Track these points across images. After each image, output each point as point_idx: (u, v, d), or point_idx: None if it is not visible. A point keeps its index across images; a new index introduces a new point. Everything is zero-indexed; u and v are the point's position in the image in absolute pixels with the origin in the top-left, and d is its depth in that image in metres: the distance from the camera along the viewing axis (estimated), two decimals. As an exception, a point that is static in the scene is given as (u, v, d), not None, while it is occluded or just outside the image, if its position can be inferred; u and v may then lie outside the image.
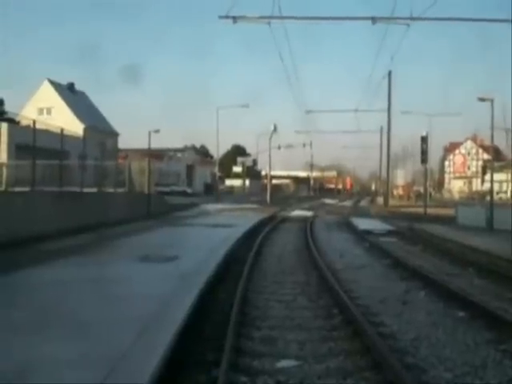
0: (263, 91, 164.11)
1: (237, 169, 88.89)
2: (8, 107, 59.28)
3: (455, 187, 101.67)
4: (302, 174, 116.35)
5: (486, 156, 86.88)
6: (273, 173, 64.65)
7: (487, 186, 50.40)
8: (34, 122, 17.89)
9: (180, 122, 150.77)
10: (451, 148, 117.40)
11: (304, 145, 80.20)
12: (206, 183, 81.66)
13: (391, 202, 53.53)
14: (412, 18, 20.28)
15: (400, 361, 6.29)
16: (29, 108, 61.68)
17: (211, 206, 41.30)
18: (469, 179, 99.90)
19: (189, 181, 79.74)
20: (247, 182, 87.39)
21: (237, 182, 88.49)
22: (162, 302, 7.92)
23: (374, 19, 21.18)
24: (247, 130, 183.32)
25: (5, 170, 20.54)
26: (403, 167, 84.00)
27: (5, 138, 17.01)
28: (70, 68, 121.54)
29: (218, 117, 56.02)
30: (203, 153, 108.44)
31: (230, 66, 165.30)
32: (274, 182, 75.60)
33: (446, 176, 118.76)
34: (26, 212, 15.70)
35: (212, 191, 69.40)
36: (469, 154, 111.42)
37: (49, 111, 63.74)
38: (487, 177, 58.22)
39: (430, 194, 66.66)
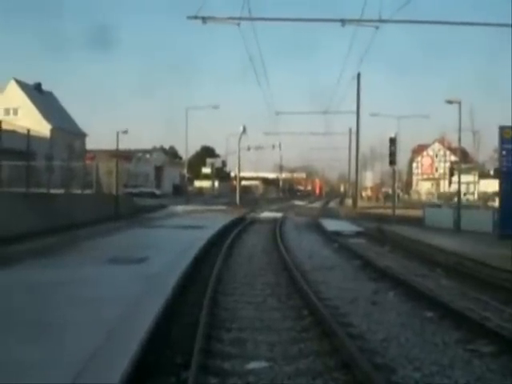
0: (232, 92, 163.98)
1: (206, 170, 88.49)
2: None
3: (423, 189, 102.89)
4: (272, 175, 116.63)
5: (453, 158, 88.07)
6: (242, 174, 64.65)
7: (455, 187, 51.13)
8: (0, 123, 17.55)
9: (149, 123, 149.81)
10: (419, 150, 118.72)
11: (273, 146, 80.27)
12: (175, 184, 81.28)
13: (360, 203, 53.91)
14: (381, 21, 20.49)
15: (369, 361, 6.30)
16: (-5, 108, 60.76)
17: (180, 208, 41.06)
18: (436, 181, 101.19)
19: (157, 182, 79.28)
20: (216, 184, 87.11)
21: (206, 184, 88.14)
22: (129, 304, 7.82)
23: (343, 21, 21.33)
24: (216, 131, 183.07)
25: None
26: (372, 169, 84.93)
27: (-30, 139, 16.76)
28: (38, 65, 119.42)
29: (187, 118, 55.82)
30: (172, 154, 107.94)
31: (200, 66, 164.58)
32: (244, 183, 75.59)
33: (414, 178, 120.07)
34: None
35: (181, 192, 69.12)
36: (436, 155, 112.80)
37: (15, 111, 62.77)
38: (454, 178, 59.11)
39: (399, 196, 67.34)
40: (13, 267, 11.24)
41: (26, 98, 64.38)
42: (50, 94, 70.42)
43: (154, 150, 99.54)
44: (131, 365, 5.26)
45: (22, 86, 65.61)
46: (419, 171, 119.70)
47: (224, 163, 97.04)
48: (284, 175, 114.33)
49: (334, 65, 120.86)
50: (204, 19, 21.99)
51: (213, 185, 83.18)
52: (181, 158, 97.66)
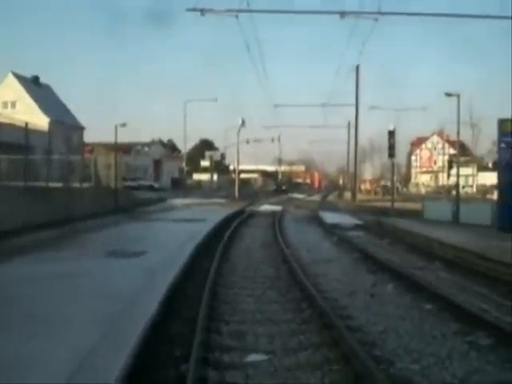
0: (231, 85, 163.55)
1: (204, 163, 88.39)
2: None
3: (422, 181, 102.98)
4: (271, 168, 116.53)
5: (452, 151, 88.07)
6: (241, 167, 64.61)
7: (453, 180, 51.17)
8: (-2, 116, 17.49)
9: (147, 116, 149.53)
10: (418, 143, 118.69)
11: (272, 139, 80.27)
12: (174, 178, 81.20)
13: (359, 196, 53.98)
14: (380, 13, 20.44)
15: (368, 353, 6.33)
16: (-8, 102, 60.66)
17: (179, 201, 41.08)
18: (435, 173, 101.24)
19: (156, 175, 79.27)
20: (215, 177, 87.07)
21: (205, 177, 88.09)
22: (128, 298, 7.84)
23: (342, 13, 21.28)
24: (215, 124, 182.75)
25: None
26: (371, 162, 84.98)
27: (-33, 132, 16.70)
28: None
29: (185, 110, 55.75)
30: (171, 147, 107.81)
31: (198, 59, 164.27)
32: (242, 176, 75.50)
33: (413, 170, 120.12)
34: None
35: (180, 186, 69.05)
36: (435, 148, 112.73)
37: (13, 105, 62.64)
38: (453, 171, 59.13)
39: (397, 189, 67.41)
40: (12, 260, 11.25)
41: (23, 91, 64.24)
42: (47, 87, 70.25)
43: (153, 143, 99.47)
44: (130, 358, 5.27)
45: (20, 79, 65.44)
46: (418, 164, 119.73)
47: (223, 156, 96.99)
48: (283, 168, 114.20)
49: (333, 57, 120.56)
50: (202, 11, 21.96)
51: (212, 178, 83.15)
52: (179, 151, 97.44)
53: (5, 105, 61.93)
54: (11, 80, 65.03)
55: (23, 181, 18.75)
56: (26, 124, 19.44)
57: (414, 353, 6.61)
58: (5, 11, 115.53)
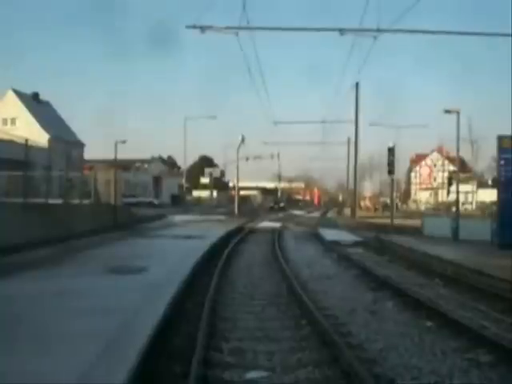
0: (231, 102, 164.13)
1: (204, 180, 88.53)
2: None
3: (421, 198, 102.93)
4: (270, 185, 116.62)
5: (451, 167, 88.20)
6: (241, 184, 64.57)
7: (453, 196, 51.16)
8: (-2, 133, 17.57)
9: (147, 133, 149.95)
10: (417, 159, 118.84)
11: (272, 156, 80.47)
12: (173, 194, 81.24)
13: (358, 212, 53.91)
14: (379, 30, 20.54)
15: (368, 370, 6.30)
16: (-7, 118, 60.86)
17: (178, 218, 41.05)
18: (435, 190, 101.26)
19: (156, 192, 79.32)
20: (215, 193, 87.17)
21: (204, 193, 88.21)
22: (128, 314, 7.80)
23: (341, 30, 21.39)
24: (215, 141, 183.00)
25: (-32, 181, 20.17)
26: (370, 178, 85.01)
27: (-32, 149, 16.78)
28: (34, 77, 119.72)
29: (185, 127, 55.94)
30: (170, 164, 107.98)
31: (198, 76, 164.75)
32: (242, 193, 75.48)
33: (413, 187, 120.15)
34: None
35: (179, 202, 69.06)
36: (435, 165, 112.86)
37: (13, 121, 62.82)
38: (453, 188, 59.11)
39: (397, 205, 67.42)
40: (11, 278, 11.21)
41: (23, 107, 64.48)
42: (47, 104, 70.51)
43: (153, 159, 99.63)
44: (129, 375, 5.25)
45: (20, 95, 65.70)
46: (418, 181, 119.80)
47: (222, 173, 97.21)
48: (282, 185, 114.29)
49: (332, 74, 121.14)
50: (202, 28, 22.07)
51: (211, 195, 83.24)
52: (179, 168, 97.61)
53: (5, 121, 62.13)
54: (11, 96, 65.29)
55: (23, 197, 18.77)
56: (26, 140, 19.47)
57: (414, 370, 6.59)
58: (5, 27, 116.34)
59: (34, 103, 67.33)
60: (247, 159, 73.18)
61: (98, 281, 11.13)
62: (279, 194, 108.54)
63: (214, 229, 29.45)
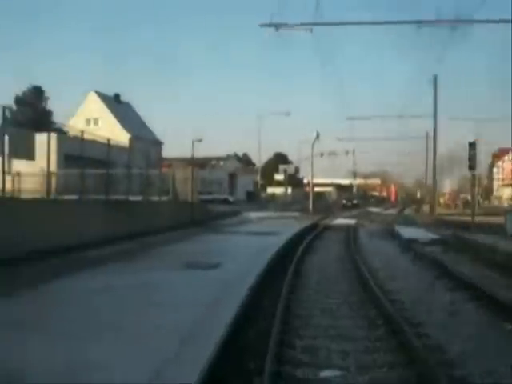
0: (306, 98, 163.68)
1: (279, 176, 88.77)
2: (56, 118, 60.82)
3: (504, 194, 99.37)
4: (345, 181, 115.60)
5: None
6: (315, 180, 64.31)
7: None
8: (82, 133, 18.30)
9: (223, 131, 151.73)
10: (500, 154, 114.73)
11: (347, 152, 79.65)
12: (248, 191, 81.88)
13: (437, 209, 52.60)
14: (458, 21, 20.00)
15: (446, 374, 6.16)
16: (76, 119, 63.13)
17: (253, 214, 41.36)
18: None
19: (231, 189, 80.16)
20: (289, 190, 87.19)
21: (279, 190, 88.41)
22: (205, 310, 7.94)
23: (419, 23, 20.97)
24: (289, 138, 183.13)
25: (54, 179, 21.06)
26: (450, 174, 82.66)
27: (54, 148, 17.40)
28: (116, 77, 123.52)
29: (259, 125, 56.28)
30: (245, 161, 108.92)
31: (272, 73, 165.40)
32: (317, 189, 75.12)
33: (495, 183, 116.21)
34: (75, 219, 16.00)
35: (254, 199, 69.57)
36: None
37: (96, 122, 65.12)
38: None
39: (478, 202, 65.31)
40: (94, 271, 11.63)
41: (105, 108, 66.71)
42: (128, 105, 72.61)
43: (228, 157, 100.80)
44: (206, 370, 5.34)
45: (102, 97, 67.98)
46: (500, 176, 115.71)
47: (297, 170, 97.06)
48: (358, 181, 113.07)
49: (409, 67, 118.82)
50: (277, 26, 22.15)
51: (285, 191, 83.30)
52: (254, 165, 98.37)
53: (88, 122, 64.43)
54: (94, 98, 67.69)
55: (104, 194, 19.48)
56: (109, 140, 20.23)
57: (494, 373, 6.39)
58: (93, 32, 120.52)
59: (116, 104, 69.51)
60: (322, 155, 72.84)
61: (174, 275, 11.37)
62: (354, 190, 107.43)
63: (289, 225, 29.51)
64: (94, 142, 19.95)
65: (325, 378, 6.28)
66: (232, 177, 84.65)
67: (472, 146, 31.05)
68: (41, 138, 16.31)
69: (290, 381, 6.13)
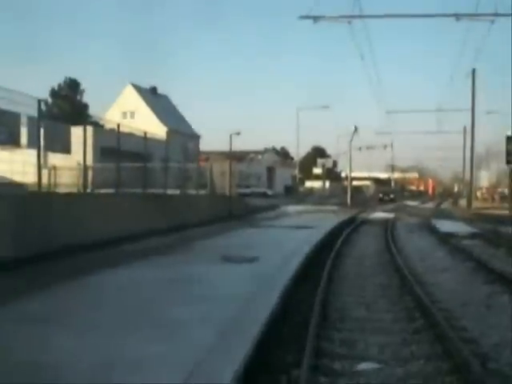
0: (344, 92, 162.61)
1: (317, 170, 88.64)
2: (92, 111, 61.40)
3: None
4: (383, 175, 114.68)
5: None
6: (353, 174, 64.00)
7: None
8: (119, 126, 18.19)
9: (261, 124, 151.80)
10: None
11: (385, 146, 79.04)
12: (286, 185, 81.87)
13: (474, 203, 51.88)
14: (496, 15, 19.72)
15: (482, 366, 6.19)
16: (113, 112, 63.76)
17: (291, 208, 41.40)
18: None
19: (269, 182, 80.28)
20: (327, 184, 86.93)
21: (317, 184, 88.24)
22: (243, 303, 8.07)
23: (457, 16, 20.73)
24: (327, 132, 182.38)
25: (90, 173, 21.29)
26: (487, 168, 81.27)
27: (90, 142, 17.44)
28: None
29: (298, 118, 56.19)
30: (283, 155, 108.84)
31: (310, 67, 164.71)
32: (355, 183, 74.74)
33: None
34: (113, 213, 16.18)
35: (292, 193, 69.54)
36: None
37: (132, 115, 65.70)
38: None
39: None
40: (132, 265, 11.86)
41: (142, 101, 67.22)
42: (165, 97, 73.07)
43: (266, 150, 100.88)
44: (244, 361, 5.47)
45: (138, 89, 68.53)
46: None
47: (335, 163, 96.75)
48: (396, 175, 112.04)
49: (448, 61, 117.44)
50: (315, 18, 22.16)
51: (324, 185, 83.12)
52: (292, 159, 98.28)
53: (124, 115, 65.07)
54: (130, 91, 68.28)
55: (142, 188, 19.67)
56: (145, 133, 20.34)
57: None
58: (130, 27, 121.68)
59: (152, 97, 70.00)
60: (360, 149, 72.48)
61: (212, 268, 11.52)
62: (392, 184, 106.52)
63: (327, 219, 29.51)
64: (130, 135, 20.07)
65: (362, 371, 6.36)
66: (270, 170, 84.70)
67: (510, 139, 30.58)
68: (77, 132, 16.07)
69: (327, 373, 6.22)
